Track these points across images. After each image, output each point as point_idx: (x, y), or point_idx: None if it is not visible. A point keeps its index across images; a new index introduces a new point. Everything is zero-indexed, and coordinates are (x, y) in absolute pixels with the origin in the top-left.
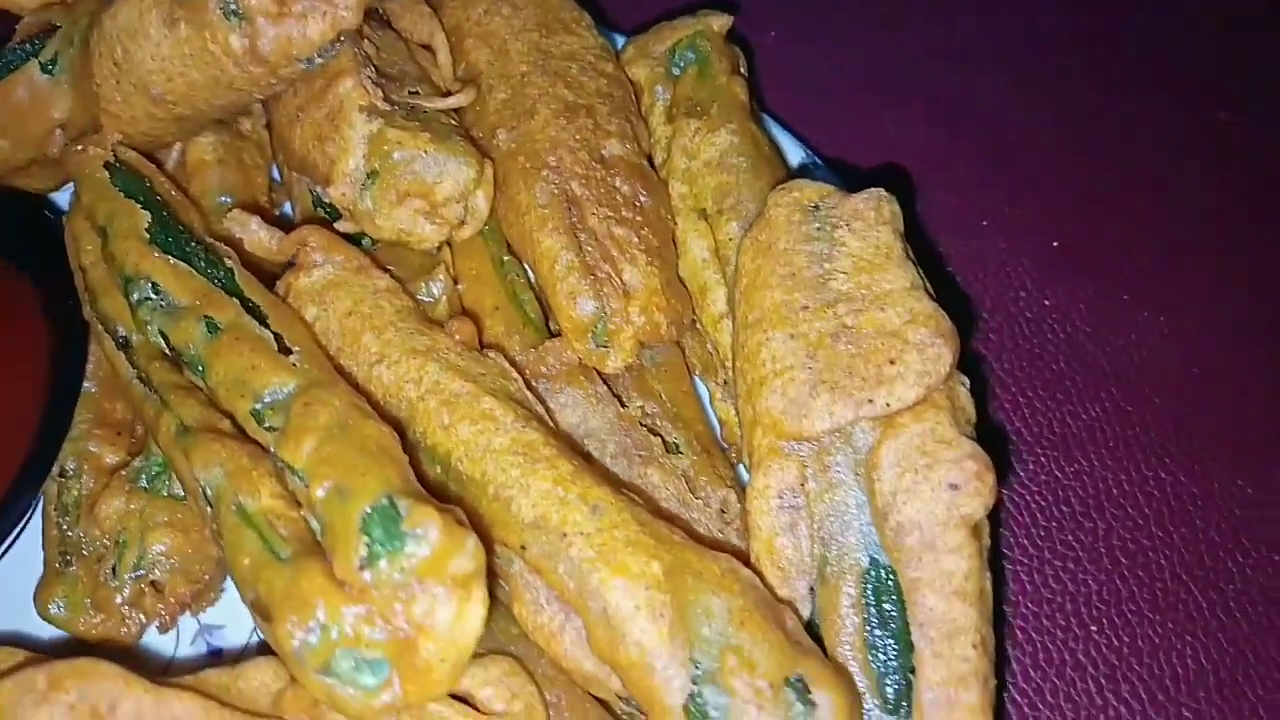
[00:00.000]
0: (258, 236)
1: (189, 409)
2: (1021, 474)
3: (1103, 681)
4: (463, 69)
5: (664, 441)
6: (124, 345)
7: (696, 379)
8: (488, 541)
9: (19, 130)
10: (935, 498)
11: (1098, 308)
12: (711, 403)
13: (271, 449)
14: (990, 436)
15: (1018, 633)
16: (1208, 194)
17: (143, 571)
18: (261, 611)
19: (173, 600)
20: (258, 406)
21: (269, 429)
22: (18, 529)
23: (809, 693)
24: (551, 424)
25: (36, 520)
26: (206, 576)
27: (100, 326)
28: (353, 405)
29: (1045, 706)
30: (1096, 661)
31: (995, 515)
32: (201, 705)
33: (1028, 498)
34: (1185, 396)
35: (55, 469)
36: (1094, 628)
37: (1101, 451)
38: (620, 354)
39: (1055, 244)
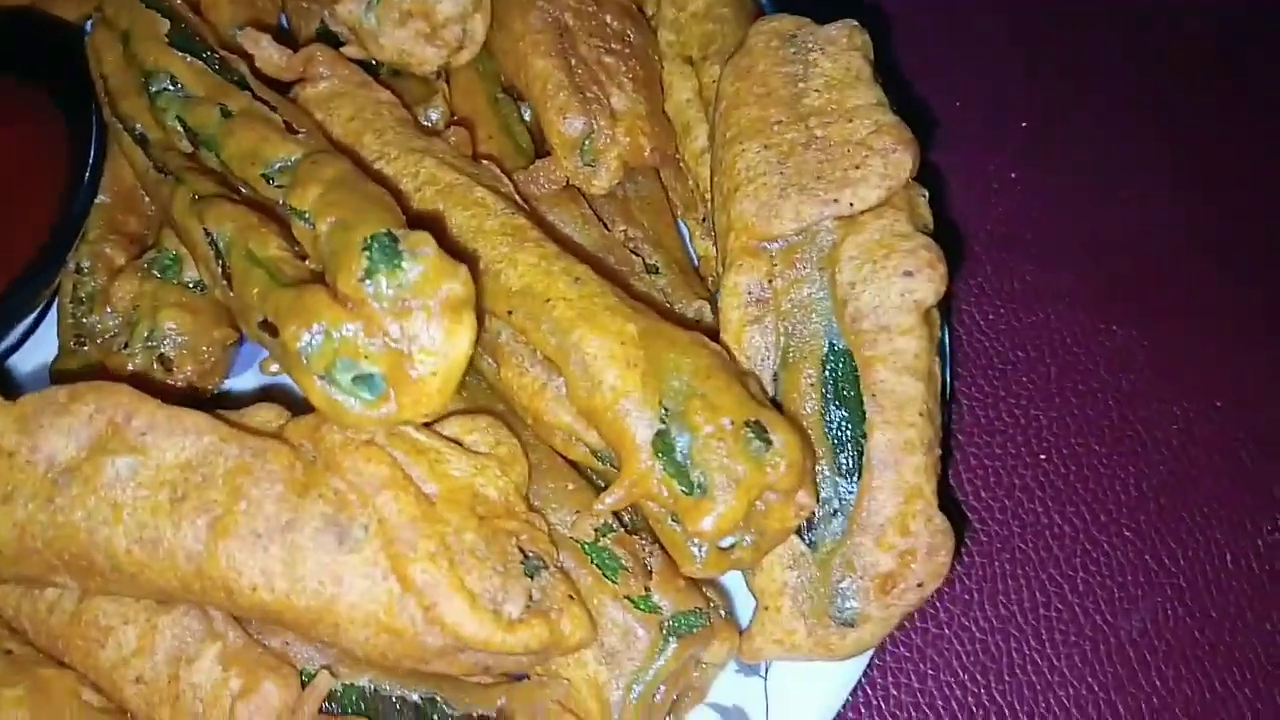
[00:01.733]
0: (268, 53)
1: (202, 184)
2: (981, 323)
3: (1049, 503)
4: None
5: (644, 263)
6: (142, 141)
7: (680, 223)
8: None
9: None
10: (890, 284)
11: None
12: (691, 240)
13: (280, 201)
14: (944, 242)
15: (971, 459)
16: None
17: (154, 344)
18: (269, 329)
19: (180, 378)
20: (268, 172)
21: (278, 187)
22: (38, 313)
23: (767, 433)
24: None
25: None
26: (213, 359)
27: (120, 127)
28: (354, 169)
29: (995, 523)
30: (1044, 485)
31: (946, 315)
32: (210, 422)
33: (986, 344)
34: (1142, 260)
35: (71, 265)
36: (1043, 457)
37: (1060, 306)
38: (607, 173)
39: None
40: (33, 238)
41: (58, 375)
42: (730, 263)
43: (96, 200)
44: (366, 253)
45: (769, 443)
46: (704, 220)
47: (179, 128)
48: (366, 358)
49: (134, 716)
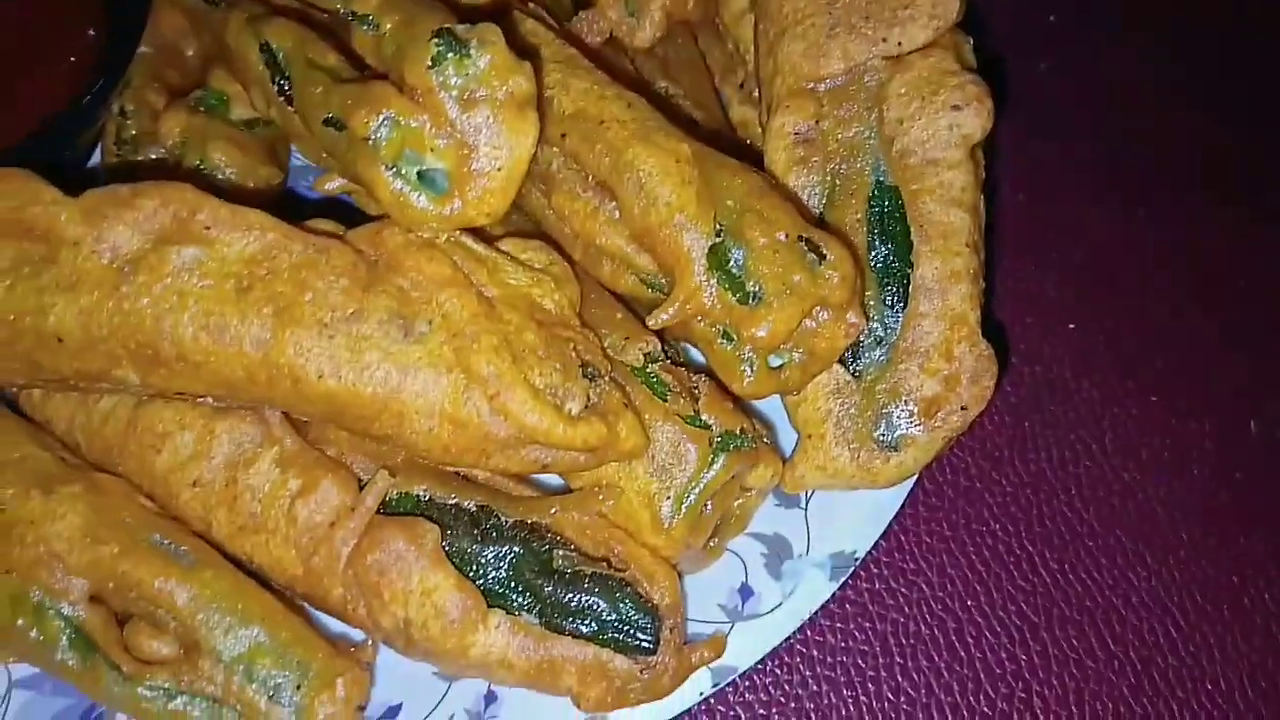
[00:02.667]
0: None
1: (255, 8)
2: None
3: (1078, 369)
4: None
5: (686, 119)
6: None
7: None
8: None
9: None
10: (938, 119)
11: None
12: (729, 107)
13: (341, 9)
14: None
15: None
16: None
17: (205, 174)
18: (336, 124)
19: None
20: None
21: None
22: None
23: (820, 248)
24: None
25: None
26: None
27: None
28: None
29: (1024, 387)
30: (1073, 351)
31: (990, 157)
32: (273, 220)
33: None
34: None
35: (115, 108)
36: (1072, 325)
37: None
38: (650, 25)
39: None
40: (72, 78)
41: None
42: (777, 105)
43: (138, 50)
44: (436, 40)
45: (822, 256)
46: (742, 86)
47: None
48: (432, 151)
49: (188, 521)
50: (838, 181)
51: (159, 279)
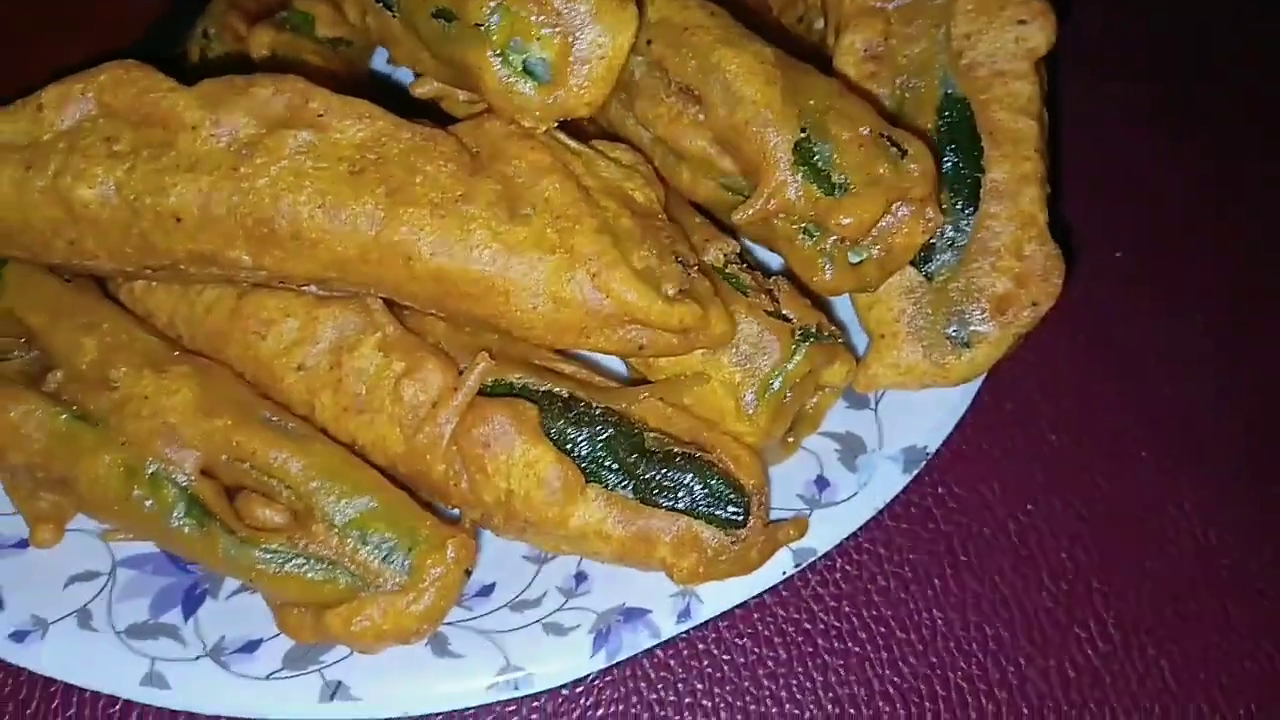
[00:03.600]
0: None
1: None
2: None
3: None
4: None
5: None
6: None
7: None
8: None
9: None
10: (1005, 32)
11: None
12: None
13: None
14: None
15: None
16: None
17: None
18: (446, 15)
19: None
20: None
21: None
22: None
23: (901, 145)
24: None
25: None
26: None
27: None
28: None
29: None
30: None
31: (1053, 71)
32: (381, 109)
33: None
34: None
35: (198, 30)
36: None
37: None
38: None
39: None
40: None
41: None
42: (845, 24)
43: None
44: None
45: (904, 152)
46: (800, 20)
47: None
48: (538, 40)
49: (291, 405)
50: (906, 95)
51: (276, 160)
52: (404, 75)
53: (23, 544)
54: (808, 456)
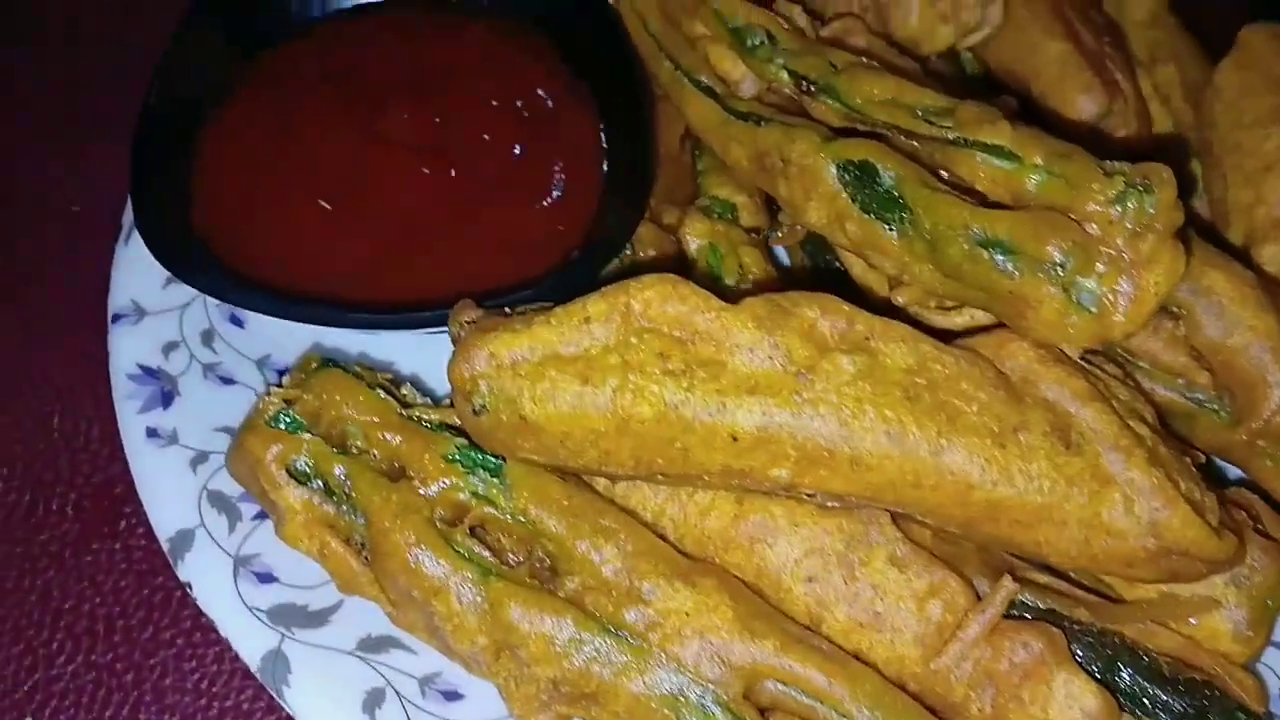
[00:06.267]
0: (797, 19)
1: (817, 127)
2: None
3: None
4: None
5: None
6: (709, 92)
7: None
8: None
9: None
10: None
11: None
12: None
13: (954, 135)
14: None
15: None
16: None
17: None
18: (998, 247)
19: None
20: (919, 113)
21: (943, 127)
22: None
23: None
24: None
25: None
26: None
27: (684, 83)
28: None
29: None
30: None
31: None
32: (914, 330)
33: None
34: None
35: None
36: None
37: None
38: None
39: None
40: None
41: None
42: (1262, 237)
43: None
44: (1121, 178)
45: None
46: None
47: (785, 77)
48: (1098, 275)
49: (795, 615)
50: None
51: (836, 385)
52: None
53: None
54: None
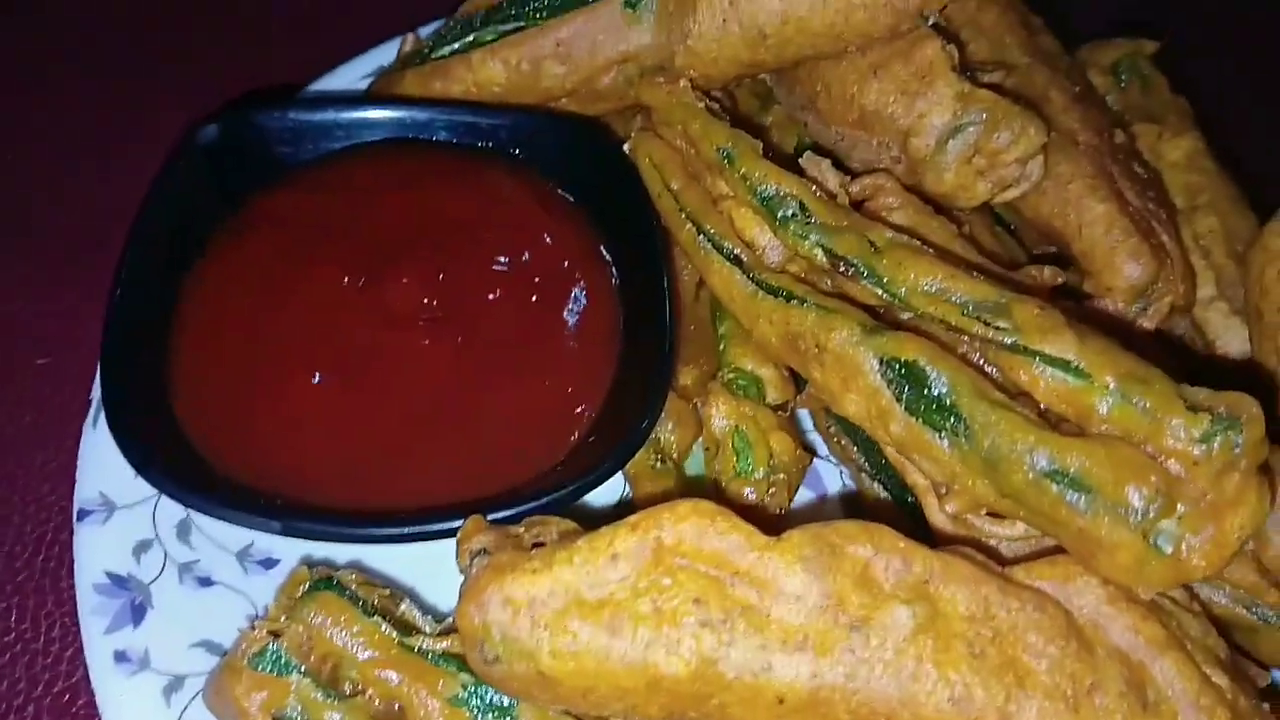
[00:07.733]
0: (827, 178)
1: (858, 314)
2: None
3: None
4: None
5: None
6: (735, 261)
7: None
8: None
9: (586, 60)
10: None
11: None
12: None
13: (1010, 339)
14: None
15: None
16: None
17: (780, 474)
18: (1068, 481)
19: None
20: (971, 309)
21: (998, 328)
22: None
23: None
24: None
25: None
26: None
27: (708, 251)
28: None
29: None
30: None
31: None
32: (975, 569)
33: None
34: None
35: None
36: None
37: None
38: (1156, 315)
39: None
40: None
41: (642, 500)
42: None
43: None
44: (1206, 415)
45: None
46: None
47: (820, 256)
48: (1177, 516)
49: None
50: None
51: (893, 641)
52: None
53: None
54: None
